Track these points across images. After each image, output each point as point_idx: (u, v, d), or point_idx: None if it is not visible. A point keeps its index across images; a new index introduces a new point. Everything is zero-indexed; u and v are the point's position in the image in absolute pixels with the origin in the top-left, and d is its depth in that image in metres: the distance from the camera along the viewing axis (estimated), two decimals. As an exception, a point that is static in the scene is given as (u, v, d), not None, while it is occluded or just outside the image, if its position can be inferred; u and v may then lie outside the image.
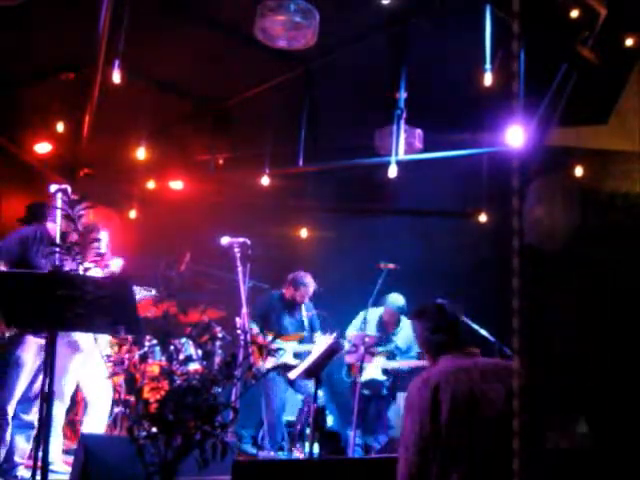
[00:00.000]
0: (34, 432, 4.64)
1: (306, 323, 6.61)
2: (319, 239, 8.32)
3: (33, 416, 4.52)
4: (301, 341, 6.53)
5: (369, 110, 6.81)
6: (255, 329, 6.36)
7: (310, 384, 6.43)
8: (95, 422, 5.15)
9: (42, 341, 4.42)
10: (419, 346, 3.32)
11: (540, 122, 5.93)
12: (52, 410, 3.23)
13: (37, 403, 4.56)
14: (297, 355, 6.44)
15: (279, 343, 6.33)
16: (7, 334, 4.35)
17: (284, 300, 6.68)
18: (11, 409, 4.48)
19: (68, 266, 3.60)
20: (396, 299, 6.74)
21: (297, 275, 6.66)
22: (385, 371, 6.69)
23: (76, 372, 5.03)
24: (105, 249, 5.20)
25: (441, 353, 3.05)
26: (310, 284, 6.61)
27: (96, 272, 4.85)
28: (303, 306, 6.69)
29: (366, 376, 6.36)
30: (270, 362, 6.19)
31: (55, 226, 4.53)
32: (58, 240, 3.62)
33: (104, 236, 5.19)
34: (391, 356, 6.76)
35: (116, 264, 5.16)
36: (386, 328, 6.81)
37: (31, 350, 4.48)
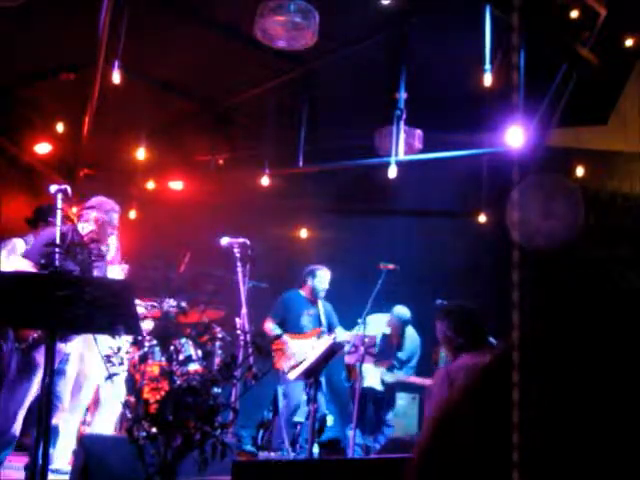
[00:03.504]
0: (59, 438, 4.63)
1: (323, 320, 6.57)
2: (319, 239, 8.31)
3: (56, 420, 4.47)
4: (319, 336, 6.50)
5: (369, 110, 6.81)
6: (275, 331, 6.32)
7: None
8: (104, 422, 5.13)
9: (61, 345, 4.41)
10: (442, 343, 3.51)
11: (540, 123, 5.92)
12: (52, 410, 3.21)
13: (60, 407, 4.54)
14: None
15: (299, 342, 6.30)
16: (31, 338, 4.32)
17: (301, 298, 6.64)
18: (22, 414, 4.44)
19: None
20: (401, 311, 6.76)
21: (309, 267, 6.67)
22: (383, 381, 6.72)
23: (95, 378, 5.00)
24: (114, 252, 5.20)
25: (462, 351, 3.26)
26: (325, 269, 6.60)
27: (114, 272, 4.86)
28: (320, 303, 6.65)
29: (365, 383, 6.39)
30: (290, 362, 6.17)
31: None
32: (58, 240, 3.61)
33: (113, 240, 5.20)
34: (391, 368, 6.77)
35: (120, 269, 5.16)
36: (390, 340, 6.82)
37: None
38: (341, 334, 6.45)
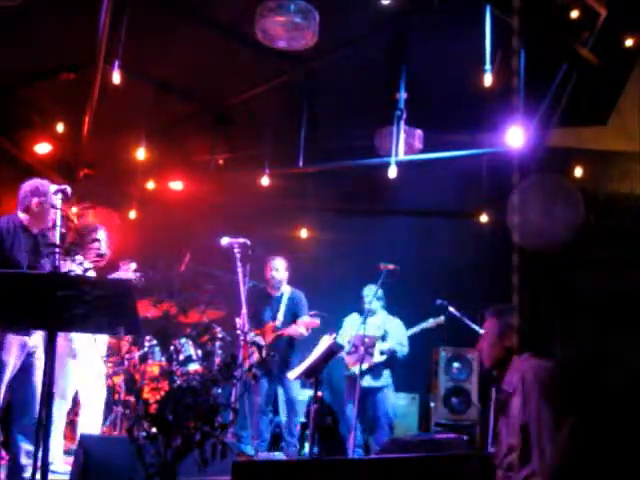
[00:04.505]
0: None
1: (281, 313, 6.55)
2: (319, 239, 8.31)
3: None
4: (274, 330, 6.48)
5: (369, 110, 6.81)
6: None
7: (297, 384, 6.47)
8: (90, 422, 5.16)
9: (25, 339, 4.37)
10: (492, 343, 3.42)
11: (540, 123, 5.93)
12: (52, 410, 3.21)
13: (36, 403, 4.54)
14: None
15: (257, 337, 6.35)
16: None
17: (263, 293, 6.67)
18: None
19: (66, 267, 3.59)
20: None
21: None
22: (382, 352, 6.67)
23: (77, 373, 5.04)
24: (105, 249, 5.20)
25: (513, 353, 3.23)
26: (276, 260, 6.66)
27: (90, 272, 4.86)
28: (286, 295, 6.65)
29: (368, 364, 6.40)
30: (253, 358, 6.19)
31: (25, 215, 4.54)
32: (57, 241, 3.61)
33: (102, 235, 5.20)
34: (382, 338, 6.74)
35: (130, 268, 5.16)
36: None
37: (12, 350, 4.41)
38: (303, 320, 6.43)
